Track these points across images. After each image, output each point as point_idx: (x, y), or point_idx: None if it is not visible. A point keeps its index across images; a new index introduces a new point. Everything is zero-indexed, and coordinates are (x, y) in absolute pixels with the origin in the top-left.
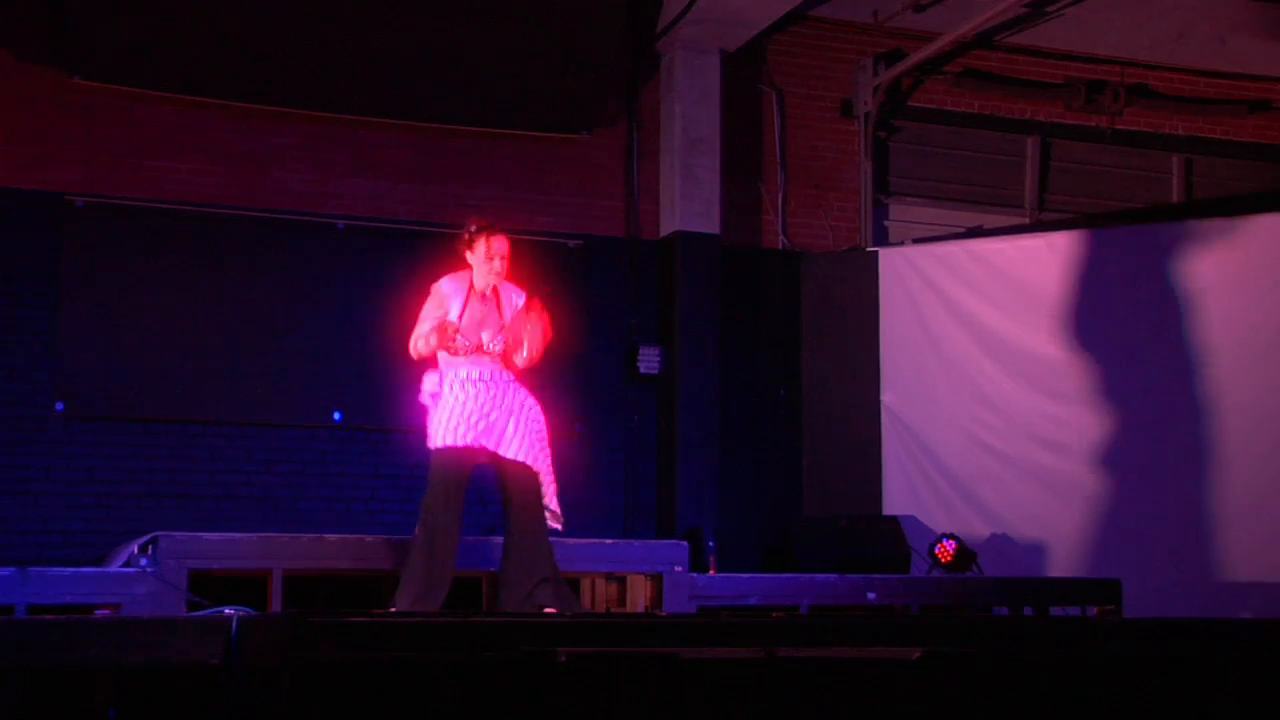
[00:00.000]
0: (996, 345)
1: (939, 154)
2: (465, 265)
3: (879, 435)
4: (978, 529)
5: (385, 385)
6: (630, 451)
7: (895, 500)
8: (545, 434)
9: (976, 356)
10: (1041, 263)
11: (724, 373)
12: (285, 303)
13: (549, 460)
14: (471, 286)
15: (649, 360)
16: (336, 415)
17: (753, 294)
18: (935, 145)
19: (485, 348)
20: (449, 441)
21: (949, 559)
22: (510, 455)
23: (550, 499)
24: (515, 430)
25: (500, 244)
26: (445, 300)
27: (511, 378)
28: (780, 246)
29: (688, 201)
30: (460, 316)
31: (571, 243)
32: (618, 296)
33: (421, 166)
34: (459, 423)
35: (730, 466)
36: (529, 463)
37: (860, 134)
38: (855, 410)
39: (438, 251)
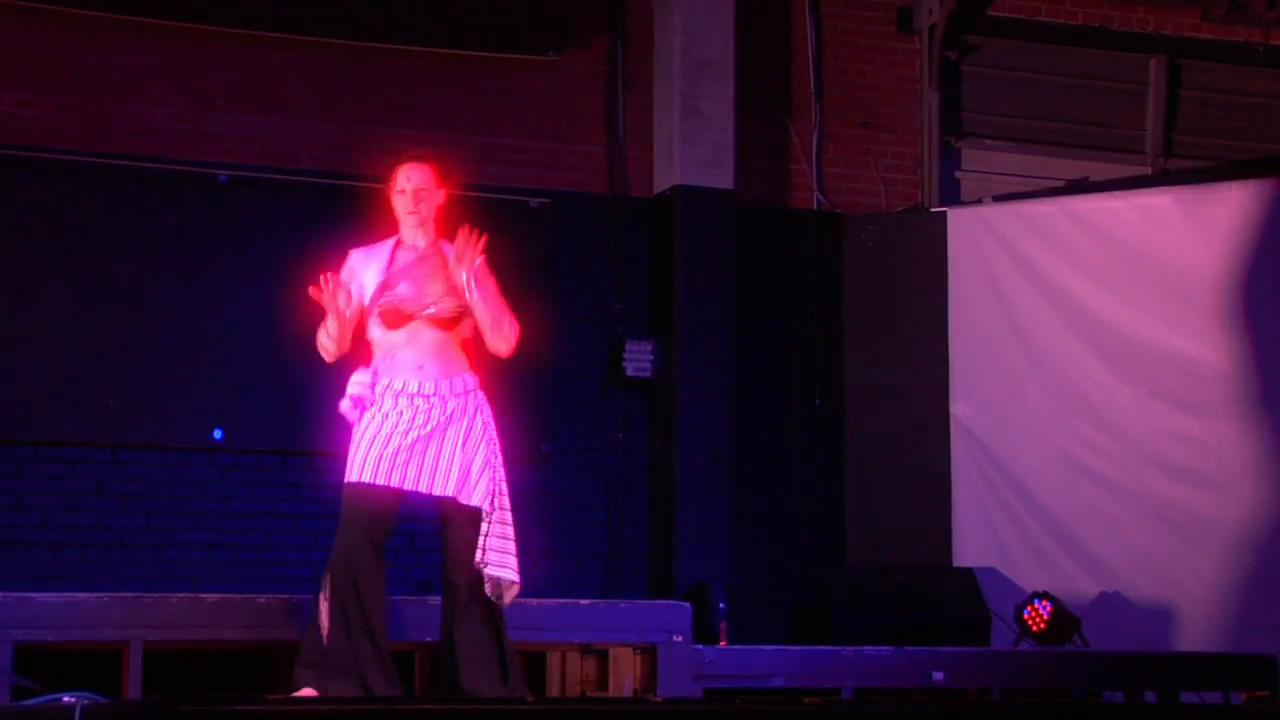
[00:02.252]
0: (1107, 339)
1: (1029, 81)
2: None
3: (947, 460)
4: (1081, 586)
5: (284, 394)
6: (613, 482)
7: (970, 547)
8: (501, 466)
9: (1080, 354)
10: (1169, 227)
11: (739, 376)
12: (147, 281)
13: (505, 503)
14: (399, 245)
15: (638, 359)
16: (217, 434)
17: (778, 271)
18: (1024, 69)
19: (427, 314)
20: (363, 476)
21: (1042, 626)
22: (445, 493)
23: (498, 561)
24: (457, 459)
25: (415, 172)
26: (352, 275)
27: (472, 387)
28: (815, 206)
29: (691, 146)
30: (381, 288)
31: (534, 201)
32: (597, 274)
33: (332, 99)
34: (379, 451)
35: (747, 501)
36: (476, 504)
37: (923, 55)
38: (915, 426)
39: (355, 211)
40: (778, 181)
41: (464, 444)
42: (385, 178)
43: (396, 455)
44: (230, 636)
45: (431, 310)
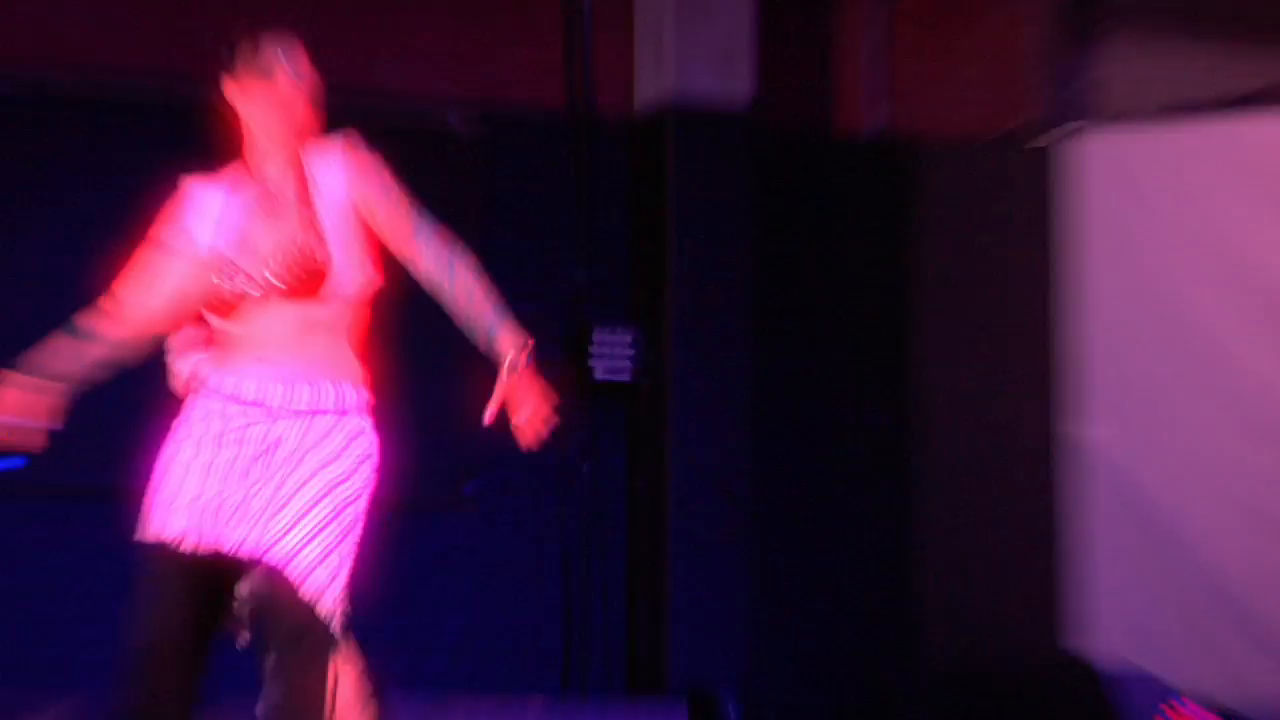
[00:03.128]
0: None
1: None
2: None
3: (1064, 504)
4: (1267, 687)
5: (96, 403)
6: (575, 535)
7: (1101, 631)
8: (356, 503)
9: (1273, 350)
10: None
11: (761, 380)
12: None
13: (337, 541)
14: (239, 179)
15: (612, 356)
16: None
17: (817, 227)
18: None
19: (260, 281)
20: (162, 531)
21: None
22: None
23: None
24: (283, 500)
25: (291, 53)
26: (184, 224)
27: (351, 405)
28: (875, 133)
29: (690, 41)
30: (216, 252)
31: (456, 118)
32: (549, 228)
33: None
34: (188, 490)
35: (772, 563)
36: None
37: None
38: (1018, 454)
39: (176, 137)
40: (816, 97)
41: (304, 484)
42: (218, 70)
43: (210, 502)
44: None
45: (268, 276)
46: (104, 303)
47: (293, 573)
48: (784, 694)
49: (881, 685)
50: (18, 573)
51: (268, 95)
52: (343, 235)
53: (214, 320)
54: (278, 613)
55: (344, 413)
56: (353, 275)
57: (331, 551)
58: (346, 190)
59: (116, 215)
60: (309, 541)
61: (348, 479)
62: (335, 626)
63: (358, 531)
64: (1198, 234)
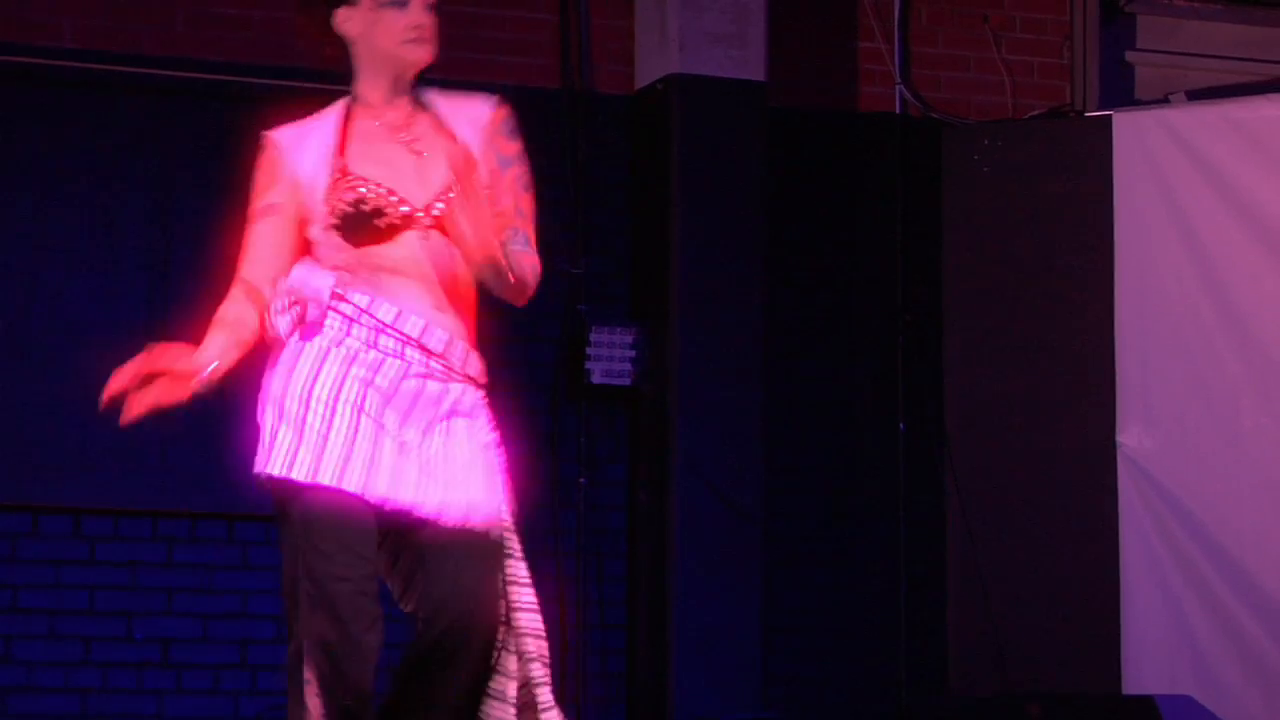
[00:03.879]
0: None
1: None
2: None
3: (1111, 519)
4: None
5: (47, 409)
6: (569, 557)
7: (1149, 662)
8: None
9: None
10: None
11: (774, 384)
12: None
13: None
14: (354, 108)
15: (611, 357)
16: None
17: (838, 213)
18: None
19: (427, 214)
20: (311, 474)
21: None
22: (433, 515)
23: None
24: (448, 462)
25: None
26: (285, 172)
27: (479, 374)
28: (899, 109)
29: (697, 11)
30: (337, 182)
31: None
32: (543, 216)
33: None
34: (329, 432)
35: (787, 585)
36: (473, 525)
37: None
38: (1058, 464)
39: (155, 118)
40: (838, 69)
41: (472, 443)
42: (193, 59)
43: (363, 446)
44: None
45: (436, 209)
46: (235, 288)
47: (480, 568)
48: None
49: (906, 715)
50: None
51: (397, 24)
52: (480, 191)
53: (336, 252)
54: (458, 610)
55: (474, 382)
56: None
57: (505, 544)
58: (478, 144)
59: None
60: (483, 496)
61: (489, 429)
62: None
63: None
64: (1252, 219)
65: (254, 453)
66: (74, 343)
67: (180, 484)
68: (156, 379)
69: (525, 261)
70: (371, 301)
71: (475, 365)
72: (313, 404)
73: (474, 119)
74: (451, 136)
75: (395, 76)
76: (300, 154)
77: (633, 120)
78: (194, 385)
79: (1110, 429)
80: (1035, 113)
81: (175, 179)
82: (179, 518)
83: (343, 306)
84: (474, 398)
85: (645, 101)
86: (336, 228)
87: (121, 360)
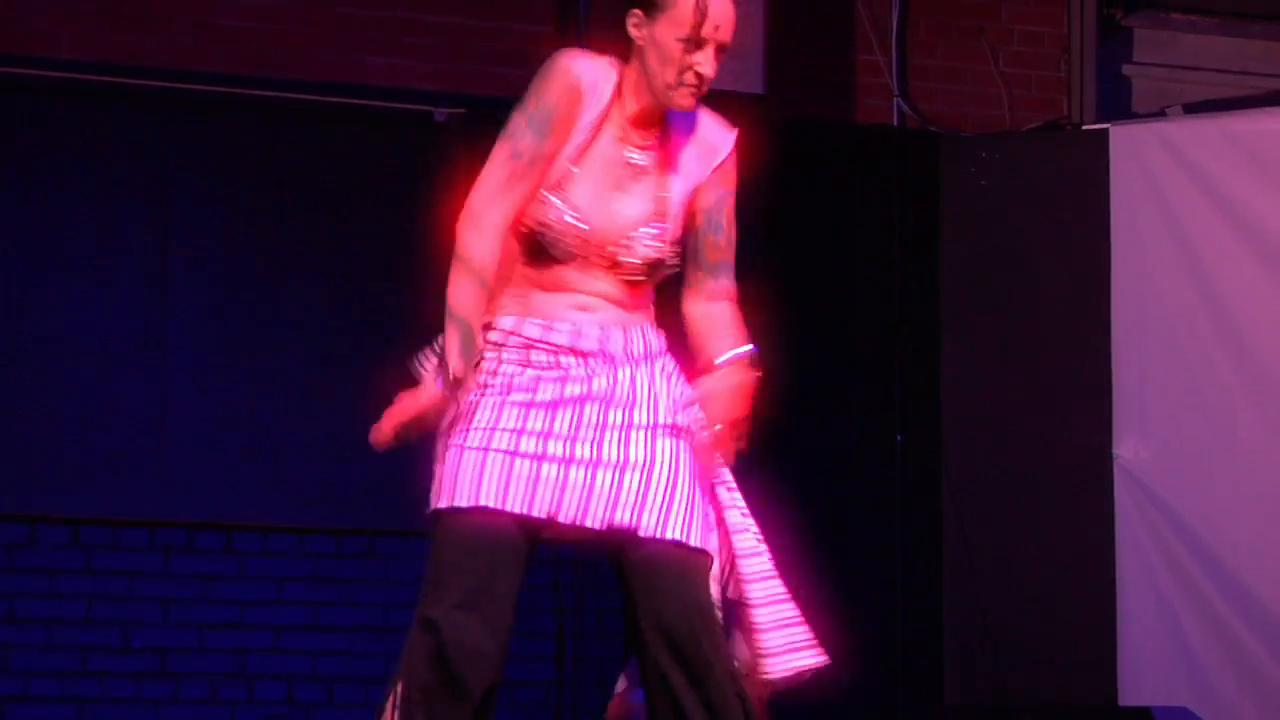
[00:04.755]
0: None
1: None
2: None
3: (1108, 530)
4: None
5: (44, 418)
6: (566, 565)
7: (1146, 674)
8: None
9: None
10: None
11: (771, 391)
12: None
13: (719, 521)
14: (613, 105)
15: None
16: None
17: (836, 222)
18: None
19: (618, 257)
20: (474, 499)
21: None
22: (644, 528)
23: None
24: (651, 474)
25: (725, 8)
26: (576, 107)
27: (651, 333)
28: (897, 121)
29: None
30: (579, 160)
31: (441, 112)
32: None
33: None
34: (506, 457)
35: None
36: (687, 540)
37: None
38: (1054, 476)
39: (154, 128)
40: (837, 82)
41: (674, 448)
42: (191, 70)
43: (541, 468)
44: None
45: (636, 253)
46: (465, 224)
47: (683, 570)
48: None
49: None
50: None
51: (678, 61)
52: (677, 218)
53: (527, 272)
54: (670, 622)
55: (654, 357)
56: (671, 257)
57: (710, 540)
58: (704, 182)
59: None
60: (691, 529)
61: (689, 440)
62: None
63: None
64: (1246, 229)
65: (254, 463)
66: (72, 353)
67: (177, 494)
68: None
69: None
70: (518, 321)
71: (640, 344)
72: (470, 438)
73: (708, 153)
74: (666, 182)
75: (653, 107)
76: (578, 125)
77: None
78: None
79: (1107, 440)
80: (1032, 125)
81: (173, 189)
82: (176, 528)
83: (491, 335)
84: (647, 381)
85: None
86: (531, 234)
87: (119, 370)
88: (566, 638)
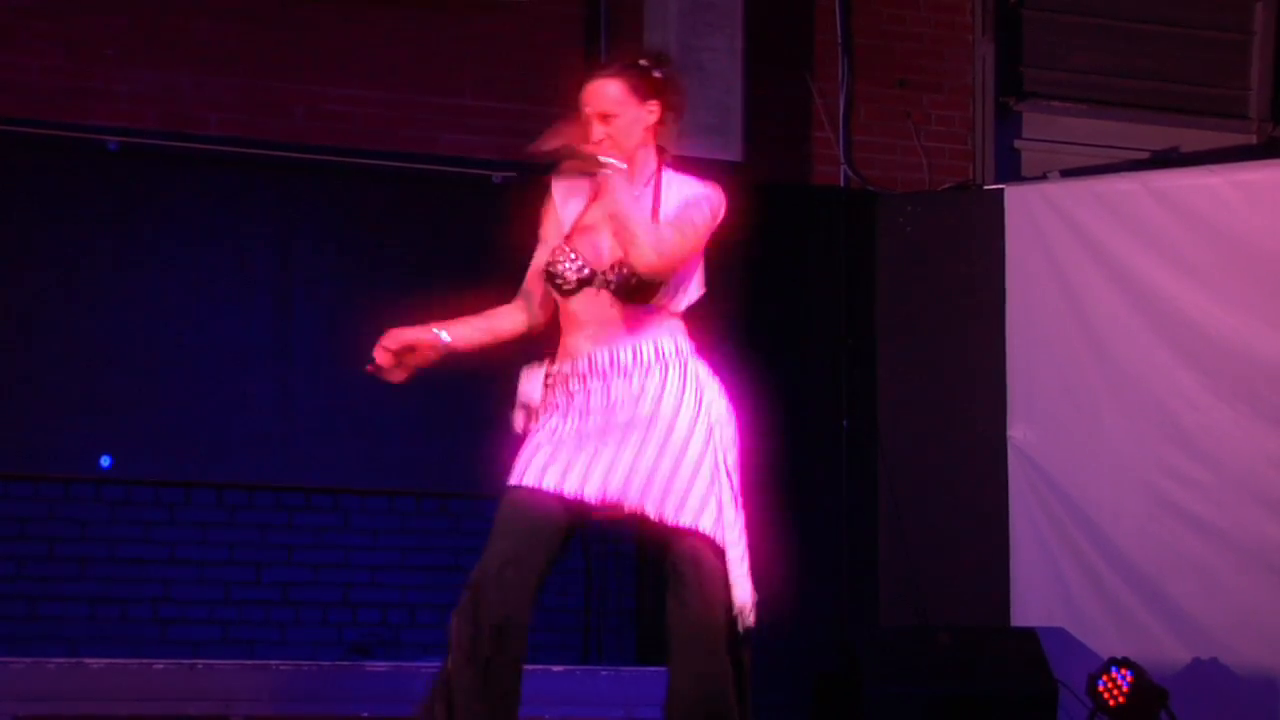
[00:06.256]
0: (1201, 347)
1: (1106, 29)
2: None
3: (1004, 496)
4: (1170, 651)
5: (187, 411)
6: (593, 523)
7: (1032, 603)
8: (730, 459)
9: (1168, 365)
10: (1279, 209)
11: (745, 392)
12: (12, 272)
13: (736, 513)
14: (604, 184)
15: None
16: (105, 461)
17: (795, 262)
18: (1100, 13)
19: (595, 281)
20: (520, 478)
21: (1121, 700)
22: (644, 507)
23: (741, 586)
24: (653, 453)
25: (591, 93)
26: (557, 213)
27: (621, 339)
28: (842, 183)
29: (690, 109)
30: (560, 243)
31: (498, 176)
32: None
33: (247, 49)
34: (541, 445)
35: (750, 547)
36: (693, 525)
37: None
38: (965, 454)
39: (274, 186)
40: (796, 153)
41: (687, 431)
42: (309, 144)
43: (561, 452)
44: (120, 710)
45: (605, 279)
46: (520, 300)
47: (706, 554)
48: (767, 655)
49: (848, 647)
50: (142, 551)
51: (672, 120)
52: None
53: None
54: (688, 598)
55: (667, 363)
56: (676, 287)
57: (733, 527)
58: (677, 202)
59: (211, 255)
60: (714, 518)
61: (722, 418)
62: (745, 615)
63: (739, 492)
64: (1107, 267)
65: (356, 443)
66: (219, 360)
67: (298, 466)
68: (411, 352)
69: (646, 225)
70: (554, 364)
71: (650, 349)
72: (534, 437)
73: (681, 189)
74: (656, 216)
75: (644, 162)
76: (560, 210)
77: None
78: (439, 350)
79: (1003, 426)
80: (946, 186)
81: (295, 235)
82: (297, 491)
83: (561, 363)
84: (658, 388)
85: None
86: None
87: (254, 372)
88: (593, 581)
